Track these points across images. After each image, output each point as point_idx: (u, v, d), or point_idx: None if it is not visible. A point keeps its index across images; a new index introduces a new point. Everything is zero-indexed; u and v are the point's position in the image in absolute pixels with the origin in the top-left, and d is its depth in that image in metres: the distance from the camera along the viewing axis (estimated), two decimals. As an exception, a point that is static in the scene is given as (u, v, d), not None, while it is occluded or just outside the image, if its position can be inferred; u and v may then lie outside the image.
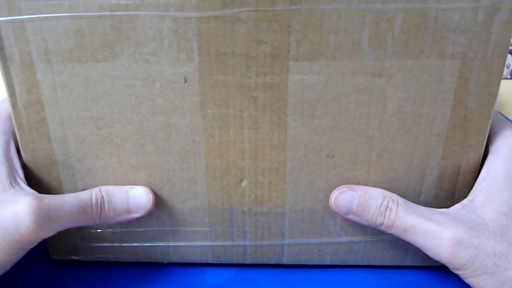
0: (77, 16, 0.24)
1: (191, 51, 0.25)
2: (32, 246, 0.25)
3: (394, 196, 0.27)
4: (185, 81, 0.26)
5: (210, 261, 0.32)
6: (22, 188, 0.26)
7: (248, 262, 0.32)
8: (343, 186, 0.28)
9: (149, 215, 0.30)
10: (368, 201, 0.27)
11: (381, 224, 0.27)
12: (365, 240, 0.30)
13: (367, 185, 0.28)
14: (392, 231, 0.27)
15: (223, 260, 0.32)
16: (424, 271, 0.32)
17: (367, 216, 0.27)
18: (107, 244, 0.31)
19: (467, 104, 0.26)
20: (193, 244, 0.31)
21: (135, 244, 0.31)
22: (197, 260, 0.32)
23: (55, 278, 0.31)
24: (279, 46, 0.24)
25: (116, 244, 0.31)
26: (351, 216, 0.28)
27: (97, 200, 0.27)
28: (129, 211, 0.28)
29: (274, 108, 0.26)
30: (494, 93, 0.25)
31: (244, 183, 0.29)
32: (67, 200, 0.26)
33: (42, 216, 0.24)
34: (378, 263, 0.31)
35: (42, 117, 0.27)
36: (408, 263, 0.31)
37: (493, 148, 0.27)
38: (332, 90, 0.26)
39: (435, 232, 0.25)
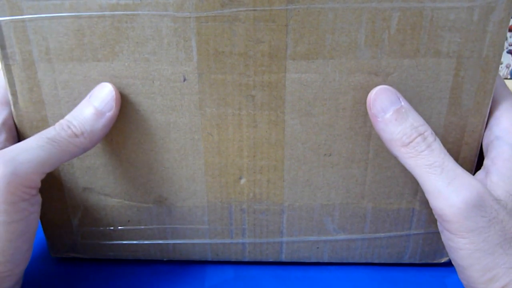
0: (77, 15, 0.24)
1: (190, 50, 0.25)
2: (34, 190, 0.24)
3: (431, 131, 0.24)
4: (184, 80, 0.26)
5: (209, 259, 0.32)
6: None
7: (246, 259, 0.32)
8: (388, 87, 0.25)
9: (149, 213, 0.30)
10: (407, 114, 0.24)
11: (404, 145, 0.24)
12: (362, 238, 0.31)
13: (364, 183, 0.29)
14: (408, 161, 0.24)
15: (222, 257, 0.32)
16: (421, 269, 0.32)
17: (396, 127, 0.24)
18: (107, 242, 0.31)
19: (462, 102, 0.26)
20: (192, 242, 0.31)
21: (135, 242, 0.31)
22: (196, 257, 0.32)
23: (55, 276, 0.32)
24: (277, 45, 0.25)
25: (115, 242, 0.31)
26: (378, 120, 0.25)
27: (61, 126, 0.25)
28: (100, 113, 0.26)
29: (272, 106, 0.26)
30: (490, 91, 0.26)
31: (243, 181, 0.29)
32: (33, 144, 0.24)
33: (13, 177, 0.23)
34: (376, 261, 0.32)
35: (43, 115, 0.27)
36: (406, 260, 0.32)
37: (496, 128, 0.26)
38: (329, 89, 0.26)
39: (462, 182, 0.23)
